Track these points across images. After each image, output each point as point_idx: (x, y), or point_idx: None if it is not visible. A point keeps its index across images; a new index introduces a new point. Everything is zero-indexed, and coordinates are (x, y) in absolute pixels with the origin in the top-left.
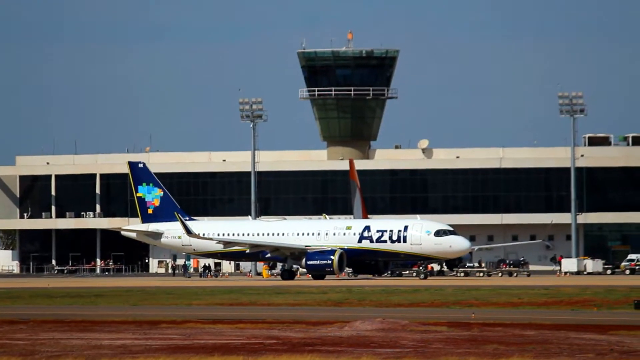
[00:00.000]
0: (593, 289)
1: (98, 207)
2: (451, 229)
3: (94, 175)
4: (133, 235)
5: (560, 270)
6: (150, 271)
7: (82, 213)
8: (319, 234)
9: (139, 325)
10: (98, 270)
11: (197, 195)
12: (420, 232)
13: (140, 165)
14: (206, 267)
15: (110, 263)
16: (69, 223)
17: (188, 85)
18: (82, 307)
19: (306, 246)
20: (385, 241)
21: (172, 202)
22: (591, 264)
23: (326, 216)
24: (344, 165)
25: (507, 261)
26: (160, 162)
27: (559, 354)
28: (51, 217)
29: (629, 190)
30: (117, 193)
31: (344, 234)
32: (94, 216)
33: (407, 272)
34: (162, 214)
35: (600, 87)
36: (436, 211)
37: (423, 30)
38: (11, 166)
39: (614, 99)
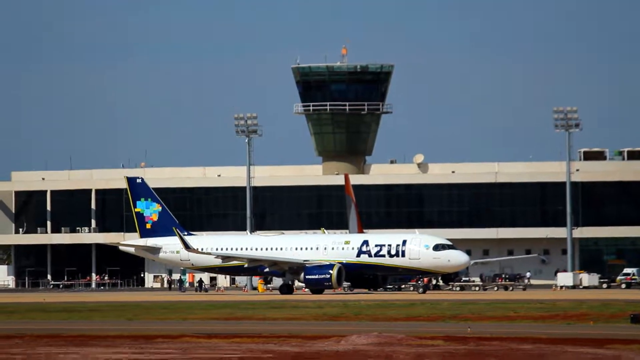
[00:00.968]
0: (589, 303)
1: (93, 222)
2: (450, 243)
3: (90, 190)
4: (131, 250)
5: (556, 284)
6: (146, 286)
7: (78, 228)
8: (317, 249)
9: (134, 340)
10: (93, 285)
11: (192, 210)
12: (419, 246)
13: (139, 181)
14: (200, 282)
15: (106, 278)
16: (65, 238)
17: (183, 100)
18: (78, 322)
19: (305, 260)
20: (383, 255)
21: (171, 217)
22: (587, 278)
23: (324, 231)
24: (339, 180)
25: (504, 275)
26: (155, 177)
27: None
28: (46, 232)
29: (624, 204)
30: (113, 208)
31: (343, 249)
32: (90, 231)
33: (404, 286)
34: (160, 229)
35: (595, 101)
36: (432, 225)
37: (418, 45)
38: (7, 182)
39: (609, 113)
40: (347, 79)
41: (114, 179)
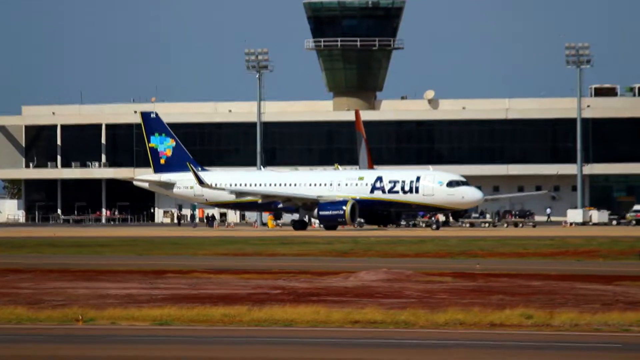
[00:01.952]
0: (599, 240)
1: (104, 157)
2: (464, 179)
3: (100, 125)
4: (145, 185)
5: (566, 221)
6: (156, 221)
7: (88, 163)
8: (331, 185)
9: (144, 275)
10: (103, 220)
11: (202, 145)
12: (433, 182)
13: (153, 116)
14: (208, 217)
15: (116, 213)
16: (75, 173)
17: (194, 36)
18: (88, 257)
19: (318, 196)
20: (397, 192)
21: (185, 152)
22: (597, 215)
23: (338, 167)
24: (349, 116)
25: (513, 212)
26: (165, 112)
27: (564, 304)
28: (57, 167)
29: (635, 141)
30: (123, 143)
31: (356, 185)
32: (100, 166)
33: (417, 222)
34: (174, 164)
35: (607, 38)
36: (442, 161)
37: None
38: (17, 116)
39: (620, 49)
40: (359, 15)
41: (125, 113)
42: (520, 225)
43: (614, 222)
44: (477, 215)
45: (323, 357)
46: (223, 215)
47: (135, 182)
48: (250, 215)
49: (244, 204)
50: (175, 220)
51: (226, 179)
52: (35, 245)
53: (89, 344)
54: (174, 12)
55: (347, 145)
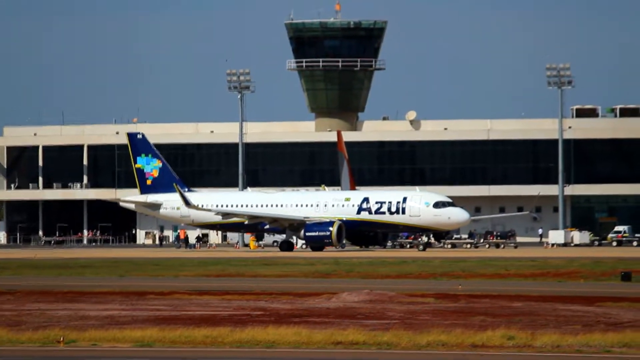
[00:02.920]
0: (580, 261)
1: (85, 177)
2: (450, 200)
3: (81, 146)
4: (132, 206)
5: (547, 242)
6: (138, 242)
7: (70, 184)
8: (317, 206)
9: (125, 296)
10: (85, 241)
11: (184, 166)
12: (419, 203)
13: (139, 136)
14: (187, 239)
15: (98, 234)
16: (56, 194)
17: (175, 56)
18: (69, 278)
19: (305, 217)
20: (384, 213)
21: (171, 173)
22: (578, 236)
23: (325, 187)
24: (331, 137)
25: (494, 233)
26: (147, 133)
27: (546, 325)
28: (38, 188)
29: (616, 162)
30: (105, 164)
31: (343, 206)
32: (81, 187)
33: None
34: (160, 185)
35: (588, 58)
36: (424, 182)
37: (411, 1)
38: None
39: (601, 70)
40: (341, 35)
41: (106, 134)
42: (502, 246)
43: (596, 243)
44: (458, 236)
45: None
46: (205, 236)
47: (121, 204)
48: (232, 237)
49: (230, 224)
50: (157, 242)
51: (212, 200)
52: (17, 267)
53: None
54: (156, 32)
55: (329, 166)
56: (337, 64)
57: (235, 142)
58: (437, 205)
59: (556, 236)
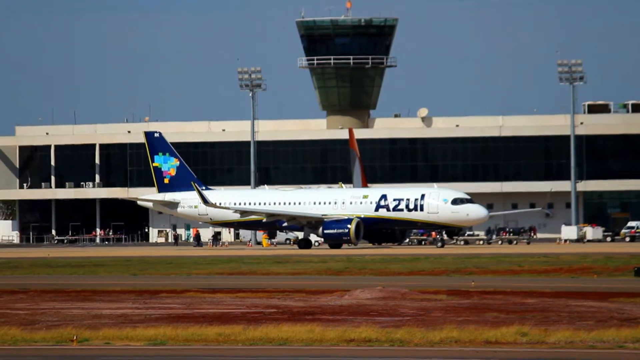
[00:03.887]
0: (593, 257)
1: (97, 177)
2: (468, 197)
3: (94, 145)
4: (149, 205)
5: (560, 238)
6: (151, 241)
7: (82, 183)
8: (335, 203)
9: (139, 295)
10: (98, 240)
11: (196, 165)
12: (437, 200)
13: (157, 135)
14: (205, 238)
15: (110, 233)
16: (69, 193)
17: (187, 54)
18: (82, 277)
19: (323, 215)
20: (402, 210)
21: (189, 171)
22: (591, 232)
23: (342, 185)
24: (343, 134)
25: (507, 229)
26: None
27: (559, 321)
28: (51, 187)
29: (628, 157)
30: (117, 163)
31: (361, 203)
32: (94, 186)
33: (423, 241)
34: (178, 184)
35: (600, 54)
36: (435, 179)
37: None
38: (11, 136)
39: (613, 66)
40: (352, 33)
41: (118, 133)
42: (515, 242)
43: (608, 239)
44: (471, 232)
45: None
46: (217, 234)
47: (139, 202)
48: (245, 234)
49: (248, 222)
50: (171, 240)
51: (229, 198)
52: (30, 266)
53: None
54: (167, 31)
55: (340, 164)
56: (349, 61)
57: (247, 140)
58: (456, 202)
59: (569, 232)
